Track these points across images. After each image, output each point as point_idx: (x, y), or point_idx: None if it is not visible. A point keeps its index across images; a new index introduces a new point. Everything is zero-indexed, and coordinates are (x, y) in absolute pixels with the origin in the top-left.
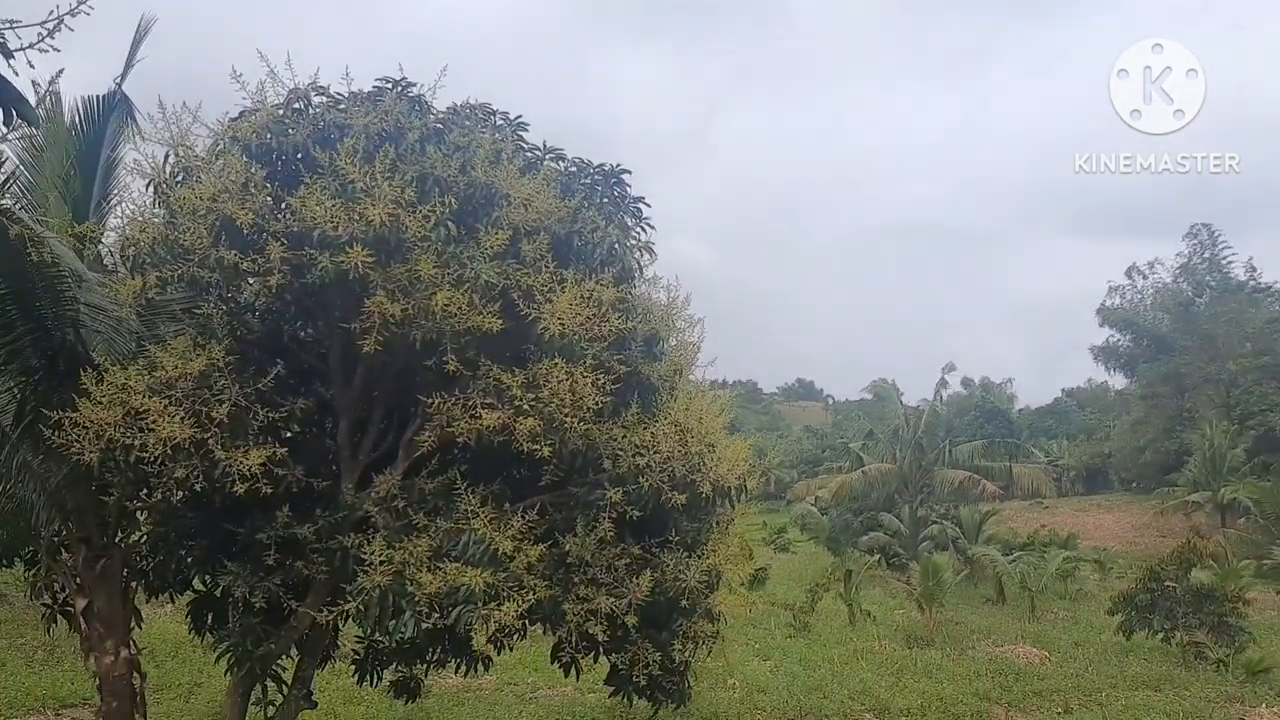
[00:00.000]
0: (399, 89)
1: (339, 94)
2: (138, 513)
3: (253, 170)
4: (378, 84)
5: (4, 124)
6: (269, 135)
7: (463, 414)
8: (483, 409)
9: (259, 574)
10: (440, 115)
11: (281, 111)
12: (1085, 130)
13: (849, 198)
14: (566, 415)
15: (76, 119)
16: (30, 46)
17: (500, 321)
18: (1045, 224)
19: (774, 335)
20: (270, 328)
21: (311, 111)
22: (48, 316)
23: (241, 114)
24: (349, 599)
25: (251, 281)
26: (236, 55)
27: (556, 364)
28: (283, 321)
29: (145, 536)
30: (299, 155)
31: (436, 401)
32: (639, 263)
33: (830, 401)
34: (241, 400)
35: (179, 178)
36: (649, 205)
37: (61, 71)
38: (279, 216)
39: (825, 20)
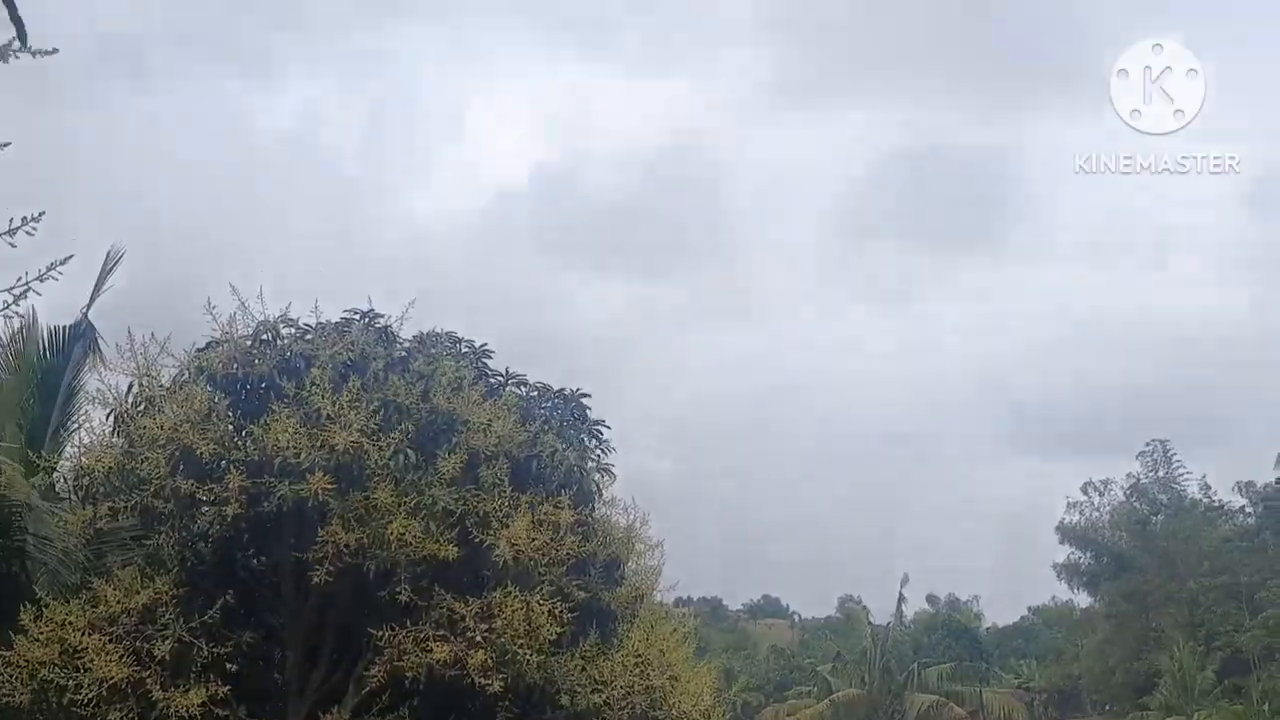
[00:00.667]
0: (366, 319)
1: (307, 325)
2: None
3: (216, 400)
4: (346, 314)
5: None
6: (235, 366)
7: (414, 647)
8: (434, 642)
9: None
10: (406, 344)
11: (249, 343)
12: (1020, 361)
13: (808, 412)
14: (521, 646)
15: (40, 346)
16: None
17: (456, 549)
18: (997, 439)
19: (738, 547)
20: (222, 557)
21: (279, 343)
22: None
23: (209, 345)
24: None
25: (206, 511)
26: (210, 279)
27: (511, 592)
28: (235, 550)
29: None
30: (264, 385)
31: (387, 634)
32: (598, 485)
33: (797, 619)
34: (185, 635)
35: (141, 407)
36: (609, 427)
37: (26, 293)
38: (240, 445)
39: (772, 254)
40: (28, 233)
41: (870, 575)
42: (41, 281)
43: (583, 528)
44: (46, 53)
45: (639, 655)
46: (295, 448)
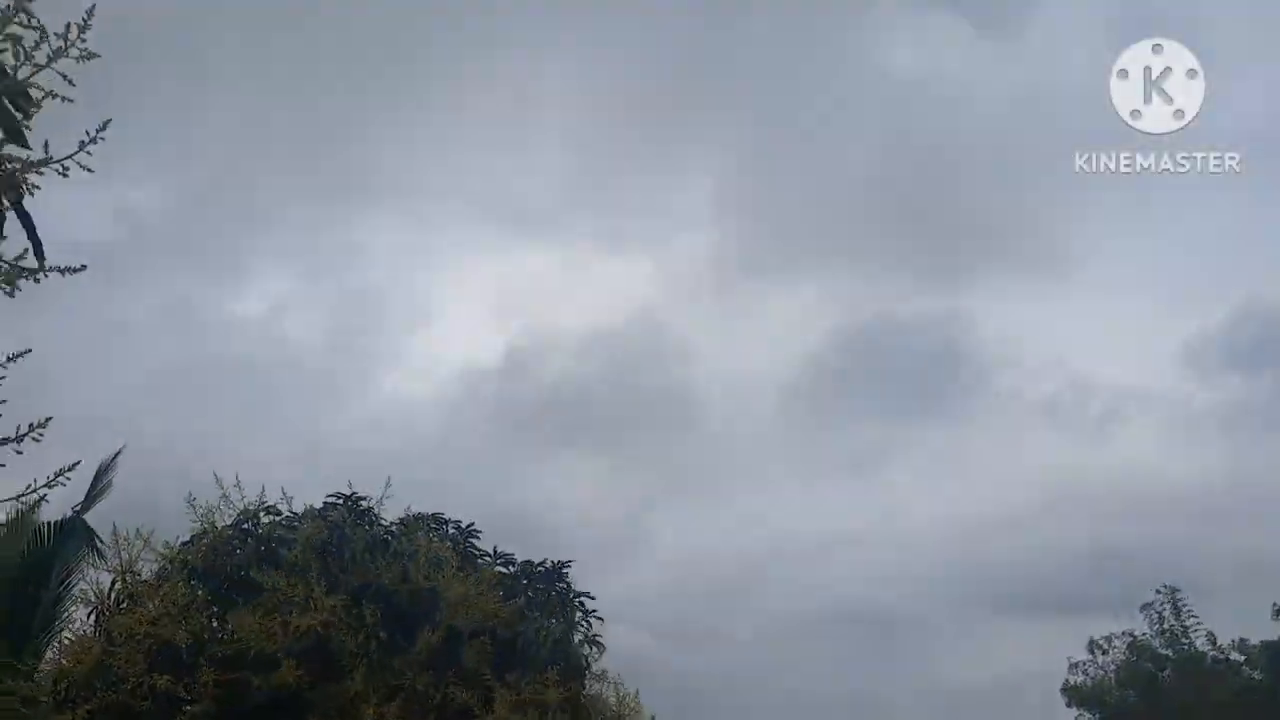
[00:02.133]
0: (349, 502)
1: (291, 512)
2: None
3: (198, 592)
4: (329, 499)
5: None
6: (215, 557)
7: None
8: None
9: None
10: (389, 526)
11: (231, 532)
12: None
13: (780, 584)
14: None
15: (26, 545)
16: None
17: None
18: (978, 604)
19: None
20: None
21: (260, 530)
22: None
23: (192, 539)
24: None
25: (186, 710)
26: (194, 470)
27: None
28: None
29: None
30: (243, 573)
31: None
32: (587, 659)
33: None
34: None
35: (123, 604)
36: (593, 598)
37: (40, 500)
38: (218, 636)
39: (732, 429)
40: (34, 439)
41: None
42: (50, 488)
43: (571, 704)
44: (75, 270)
45: None
46: (267, 634)
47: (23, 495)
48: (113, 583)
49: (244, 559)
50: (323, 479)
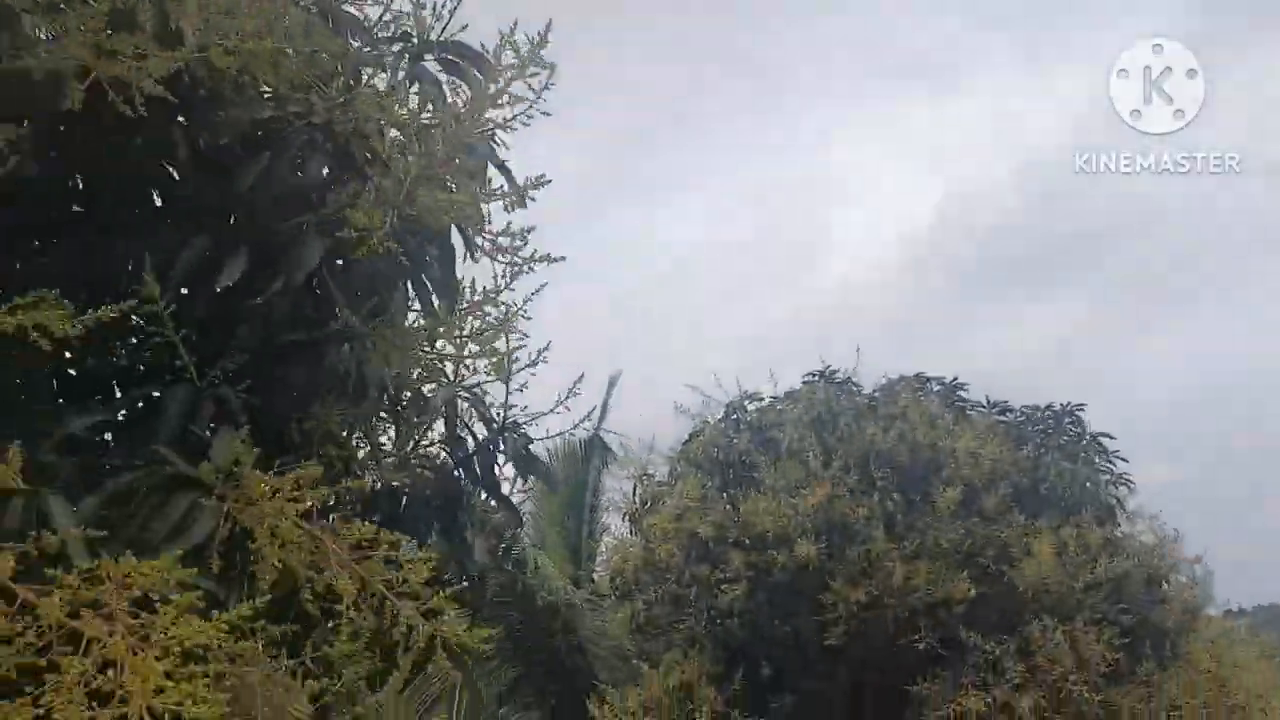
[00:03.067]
0: (824, 377)
1: (771, 396)
2: None
3: (706, 485)
4: (806, 379)
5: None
6: (715, 450)
7: (954, 694)
8: (971, 689)
9: None
10: (870, 394)
11: (724, 424)
12: None
13: None
14: (1072, 683)
15: (557, 464)
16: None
17: (970, 588)
18: None
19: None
20: (748, 631)
21: (749, 418)
22: (560, 647)
23: (690, 437)
24: None
25: (724, 589)
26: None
27: (1048, 625)
28: (758, 622)
29: None
30: (744, 460)
31: (922, 686)
32: (1118, 499)
33: None
34: (720, 708)
35: (647, 505)
36: (1113, 438)
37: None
38: (736, 523)
39: (1197, 249)
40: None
41: None
42: (564, 404)
43: (1111, 546)
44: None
45: (1209, 673)
46: (778, 516)
47: (577, 425)
48: (634, 488)
49: (742, 447)
50: (788, 363)
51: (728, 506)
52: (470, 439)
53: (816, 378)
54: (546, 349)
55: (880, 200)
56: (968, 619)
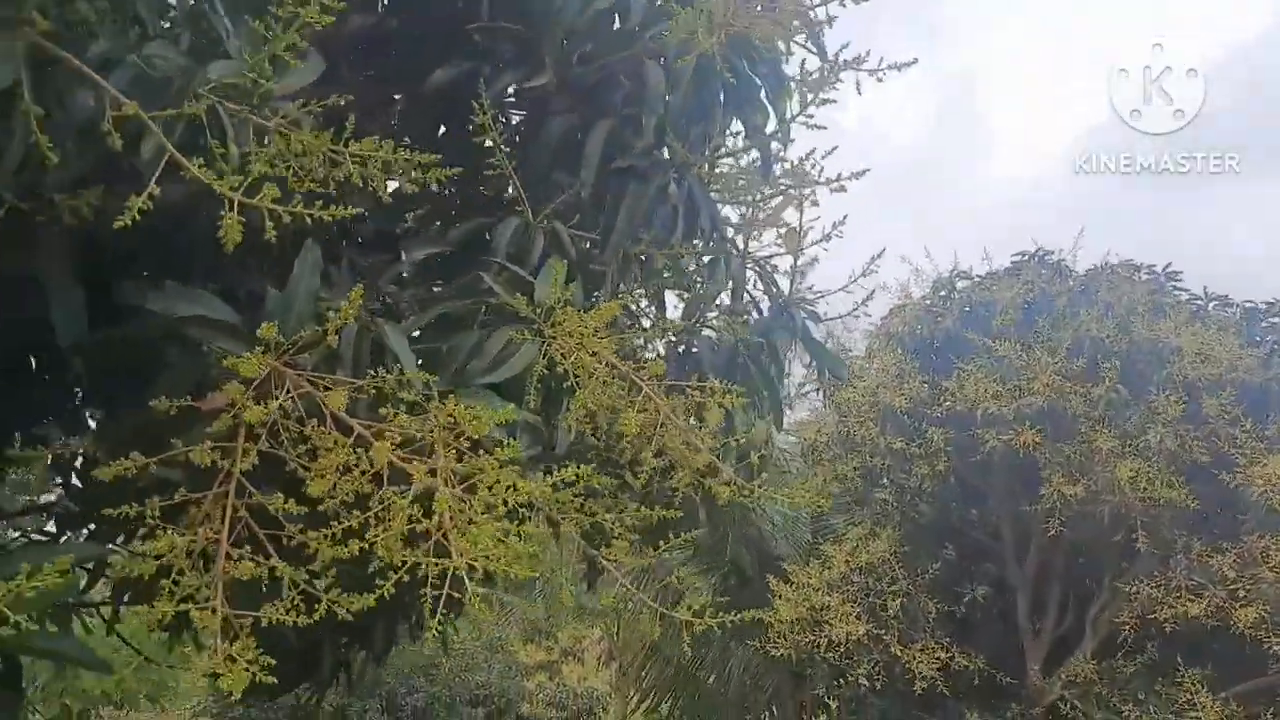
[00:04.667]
0: (1037, 258)
1: (979, 275)
2: (830, 699)
3: (906, 362)
4: (1015, 259)
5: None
6: (920, 326)
7: (1165, 596)
8: (1188, 594)
9: None
10: (1079, 278)
11: (929, 301)
12: None
13: None
14: None
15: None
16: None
17: (1191, 493)
18: None
19: None
20: (938, 511)
21: (957, 296)
22: (736, 510)
23: (890, 312)
24: None
25: (919, 465)
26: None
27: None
28: (950, 503)
29: None
30: (951, 339)
31: (1135, 586)
32: None
33: None
34: (912, 590)
35: (844, 380)
36: None
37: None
38: (939, 401)
39: None
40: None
41: None
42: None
43: None
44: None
45: None
46: (994, 397)
47: (859, 306)
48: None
49: (949, 325)
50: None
51: (926, 383)
52: (754, 313)
53: (1027, 258)
54: (843, 222)
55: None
56: (1187, 523)
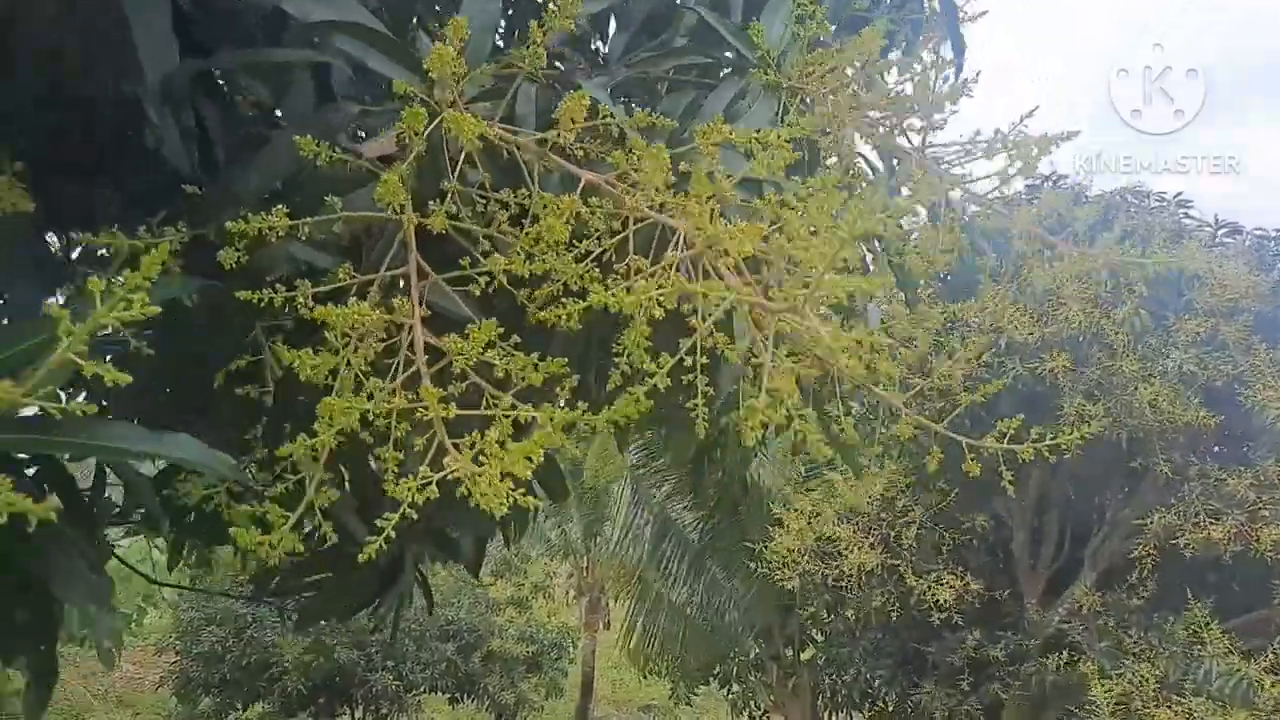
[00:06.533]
0: (1053, 182)
1: (990, 197)
2: (817, 632)
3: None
4: (1029, 183)
5: None
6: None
7: (1182, 523)
8: (1207, 518)
9: (955, 695)
10: (1098, 201)
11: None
12: None
13: None
14: None
15: None
16: None
17: (1209, 416)
18: None
19: None
20: (943, 444)
21: (966, 222)
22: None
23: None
24: None
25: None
26: None
27: None
28: (959, 434)
29: (826, 655)
30: (962, 258)
31: (1150, 515)
32: None
33: None
34: (926, 520)
35: None
36: None
37: None
38: (952, 330)
39: None
40: None
41: None
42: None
43: None
44: None
45: None
46: (1019, 325)
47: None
48: None
49: (963, 244)
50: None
51: (941, 311)
52: None
53: (1041, 181)
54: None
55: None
56: (1194, 446)
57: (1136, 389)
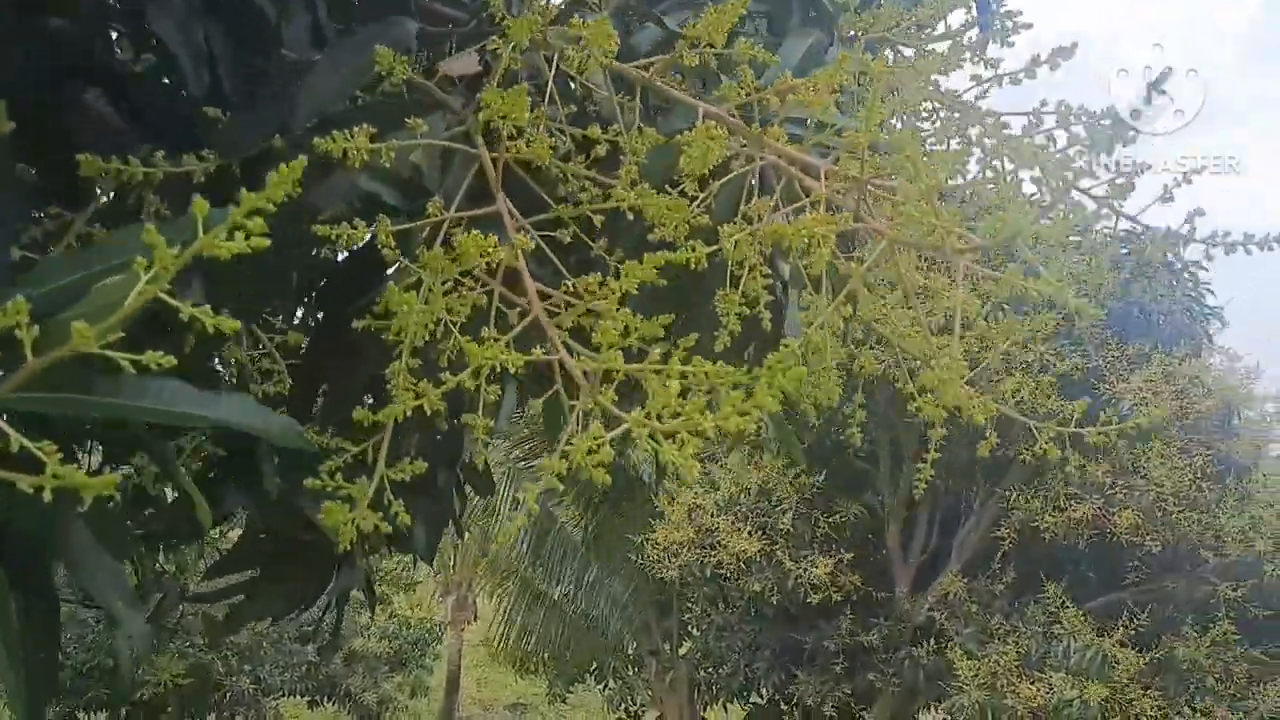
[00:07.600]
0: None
1: None
2: (694, 627)
3: None
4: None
5: None
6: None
7: (1046, 506)
8: (1068, 502)
9: (829, 683)
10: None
11: None
12: None
13: None
14: (1169, 506)
15: None
16: None
17: (1074, 406)
18: None
19: None
20: (816, 436)
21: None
22: None
23: None
24: (941, 714)
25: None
26: None
27: (1151, 450)
28: (830, 428)
29: (703, 649)
30: None
31: (1015, 495)
32: (1208, 333)
33: None
34: (801, 508)
35: None
36: (1205, 269)
37: None
38: None
39: None
40: None
41: None
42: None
43: (1196, 379)
44: None
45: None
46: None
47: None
48: None
49: None
50: None
51: None
52: None
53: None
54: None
55: None
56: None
57: (1002, 380)
